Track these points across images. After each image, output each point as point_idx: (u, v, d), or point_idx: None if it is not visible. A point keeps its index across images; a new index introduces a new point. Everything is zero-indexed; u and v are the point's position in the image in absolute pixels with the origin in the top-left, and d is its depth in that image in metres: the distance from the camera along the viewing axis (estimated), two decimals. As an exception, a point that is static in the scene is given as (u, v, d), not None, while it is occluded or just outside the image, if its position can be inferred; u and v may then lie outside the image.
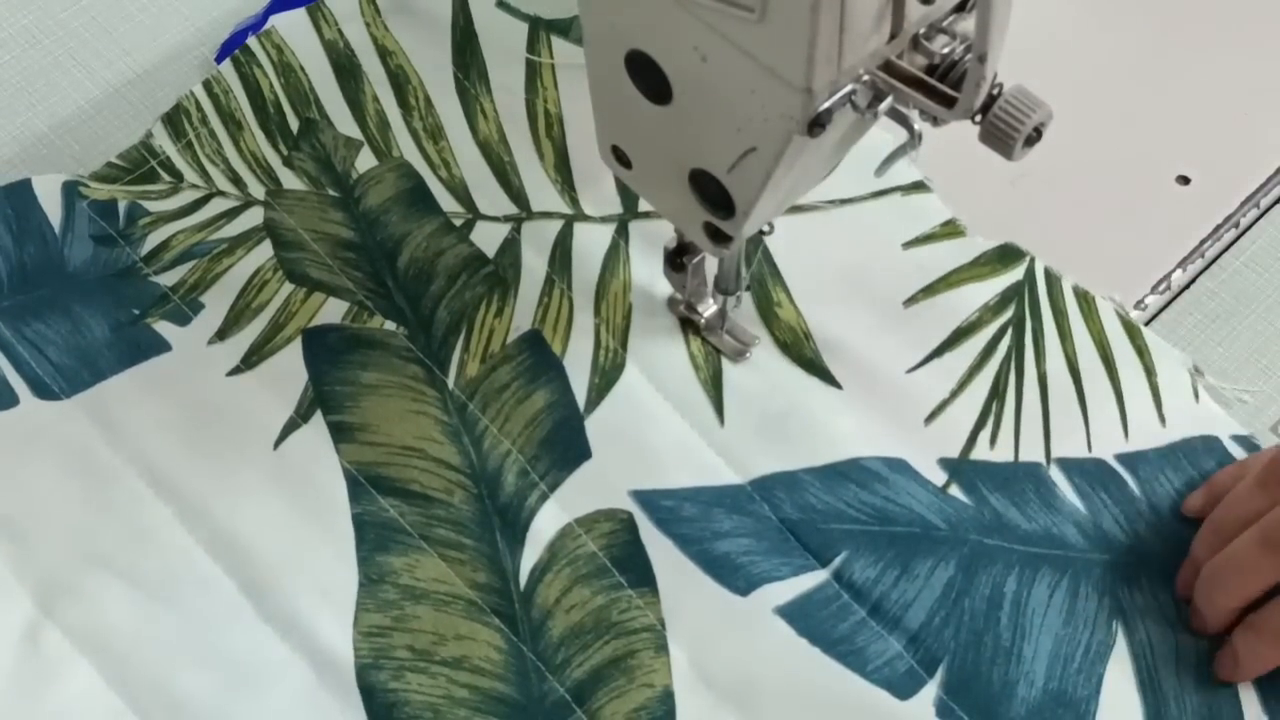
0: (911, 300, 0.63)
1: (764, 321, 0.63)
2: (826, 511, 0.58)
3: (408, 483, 0.59)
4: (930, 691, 0.55)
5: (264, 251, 0.64)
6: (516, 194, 0.66)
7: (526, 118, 0.67)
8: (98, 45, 0.73)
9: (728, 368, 0.62)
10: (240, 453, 0.60)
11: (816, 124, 0.46)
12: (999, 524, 0.58)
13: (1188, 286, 0.65)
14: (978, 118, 0.45)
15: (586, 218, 0.65)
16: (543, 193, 0.66)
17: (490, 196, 0.66)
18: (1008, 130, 0.45)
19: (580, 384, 0.61)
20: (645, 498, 0.58)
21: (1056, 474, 0.59)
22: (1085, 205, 0.67)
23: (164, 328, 0.63)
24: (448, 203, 0.66)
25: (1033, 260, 0.64)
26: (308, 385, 0.61)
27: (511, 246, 0.64)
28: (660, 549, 0.57)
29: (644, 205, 0.65)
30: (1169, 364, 0.62)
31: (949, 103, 0.45)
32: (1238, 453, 0.60)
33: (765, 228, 0.57)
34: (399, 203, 0.65)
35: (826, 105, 0.45)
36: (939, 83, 0.46)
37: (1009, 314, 0.63)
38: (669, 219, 0.58)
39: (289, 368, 0.61)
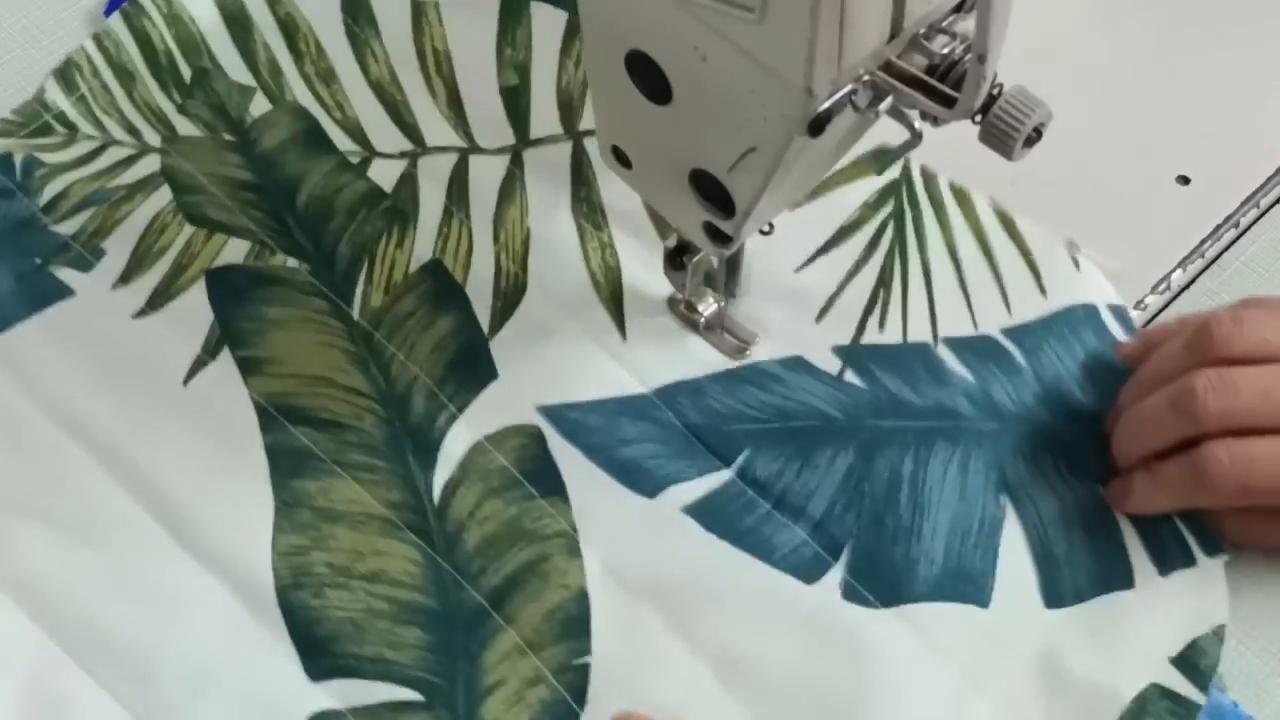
0: (796, 205, 0.63)
1: (657, 231, 0.64)
2: (728, 414, 0.60)
3: (318, 411, 0.60)
4: (836, 575, 0.57)
5: (163, 196, 0.66)
6: (411, 131, 0.67)
7: (416, 57, 0.69)
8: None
9: (628, 284, 0.63)
10: (150, 391, 0.61)
11: (817, 124, 0.46)
12: (893, 403, 0.60)
13: (1188, 286, 0.65)
14: (978, 118, 0.45)
15: (481, 150, 0.67)
16: (437, 128, 0.68)
17: (385, 135, 0.67)
18: (1007, 130, 0.45)
19: (483, 308, 0.63)
20: (552, 412, 0.60)
21: (945, 352, 0.62)
22: (1085, 205, 0.67)
23: (67, 275, 0.64)
24: (343, 142, 0.67)
25: (908, 160, 0.66)
26: (213, 324, 0.62)
27: (409, 181, 0.66)
28: (569, 459, 0.59)
29: (537, 133, 0.67)
30: (1045, 242, 0.64)
31: (949, 103, 0.45)
32: (1112, 323, 0.62)
33: (765, 227, 0.57)
34: (295, 144, 0.67)
35: (827, 105, 0.45)
36: (939, 83, 0.46)
37: (889, 209, 0.65)
38: (669, 219, 0.58)
39: (194, 308, 0.63)
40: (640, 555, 0.57)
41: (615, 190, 0.64)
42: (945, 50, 0.46)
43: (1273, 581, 0.58)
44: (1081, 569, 0.57)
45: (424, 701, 0.55)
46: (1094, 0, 0.73)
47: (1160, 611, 0.56)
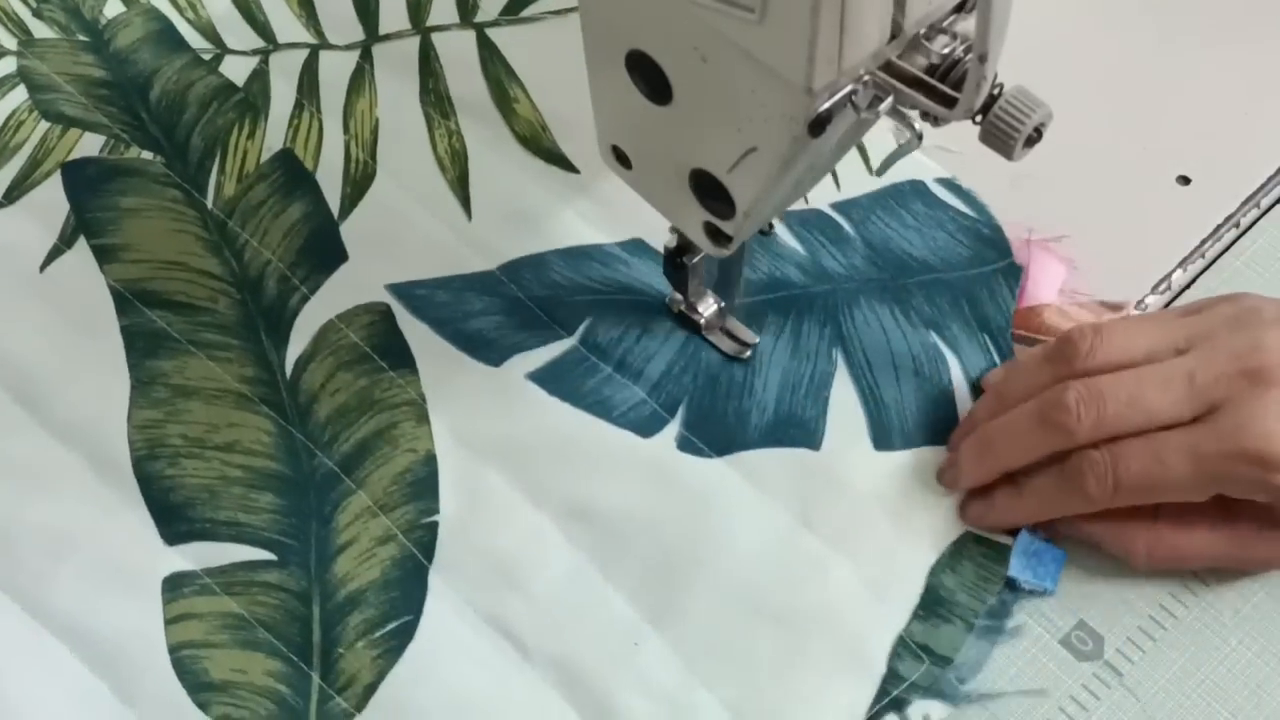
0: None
1: (503, 117, 0.68)
2: (572, 287, 0.63)
3: (173, 294, 0.63)
4: (672, 429, 0.60)
5: (18, 96, 0.68)
6: (262, 29, 0.70)
7: None
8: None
9: (474, 167, 0.66)
10: (6, 279, 0.63)
11: (817, 124, 0.46)
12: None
13: (1188, 286, 0.65)
14: (978, 118, 0.45)
15: (331, 46, 0.70)
16: (288, 26, 0.71)
17: (237, 33, 0.70)
18: (1008, 130, 0.45)
19: (333, 195, 0.65)
20: (400, 289, 0.63)
21: (777, 227, 0.63)
22: (1085, 205, 0.67)
23: None
24: (196, 41, 0.70)
25: None
26: (69, 214, 0.64)
27: (260, 76, 0.69)
28: (417, 333, 0.62)
29: (385, 29, 0.70)
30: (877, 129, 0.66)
31: (949, 103, 0.45)
32: (942, 193, 0.65)
33: (765, 228, 0.57)
34: (148, 43, 0.69)
35: (827, 105, 0.45)
36: (939, 83, 0.46)
37: None
38: (669, 219, 0.58)
39: (50, 200, 0.65)
40: (485, 420, 0.60)
41: (462, 82, 0.69)
42: (946, 50, 0.46)
43: (1273, 581, 0.58)
44: (910, 415, 0.60)
45: (276, 560, 0.57)
46: (1095, 0, 0.73)
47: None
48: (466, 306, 0.62)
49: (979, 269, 0.64)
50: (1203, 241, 0.66)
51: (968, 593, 0.57)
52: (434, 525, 0.58)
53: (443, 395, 0.60)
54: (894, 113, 0.47)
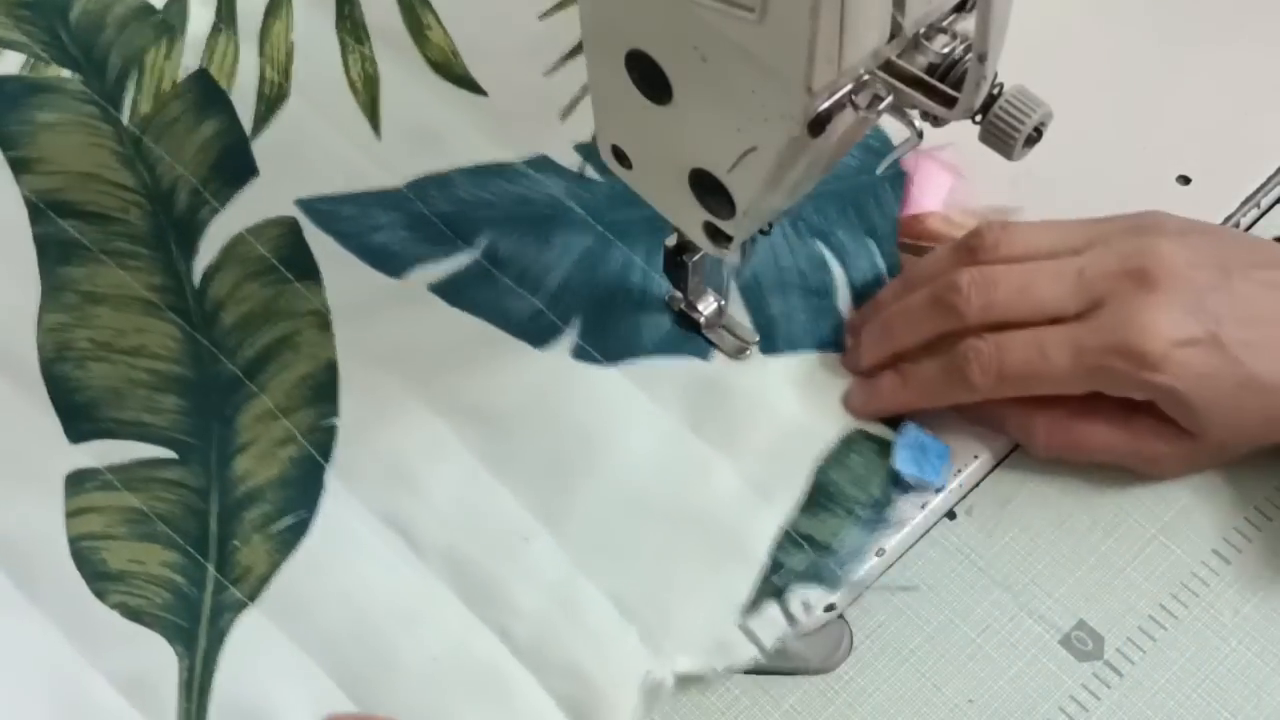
0: (546, 14, 0.70)
1: (415, 44, 0.70)
2: (475, 203, 0.65)
3: (85, 205, 0.65)
4: (568, 338, 0.62)
5: None
6: None
7: None
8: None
9: (385, 90, 0.68)
10: None
11: (817, 124, 0.46)
12: (626, 194, 0.61)
13: (1188, 286, 0.65)
14: (978, 117, 0.45)
15: None
16: None
17: None
18: (1008, 130, 0.45)
19: (246, 113, 0.68)
20: (308, 204, 0.65)
21: None
22: (1085, 205, 0.66)
23: None
24: None
25: None
26: None
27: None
28: (322, 245, 0.64)
29: None
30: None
31: (949, 102, 0.45)
32: None
33: (765, 227, 0.57)
34: None
35: (827, 105, 0.45)
36: (939, 82, 0.46)
37: None
38: (669, 218, 0.58)
39: None
40: (386, 329, 0.62)
41: (377, 9, 0.71)
42: (945, 50, 0.46)
43: (1274, 582, 0.58)
44: (797, 323, 0.62)
45: (177, 458, 0.59)
46: (1095, 0, 0.72)
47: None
48: (372, 221, 0.65)
49: (864, 177, 0.66)
50: (1203, 241, 0.66)
51: (853, 485, 0.59)
52: (332, 428, 0.60)
53: (346, 305, 0.63)
54: (894, 111, 0.47)
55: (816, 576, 0.57)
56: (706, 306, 0.62)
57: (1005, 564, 0.59)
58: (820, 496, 0.59)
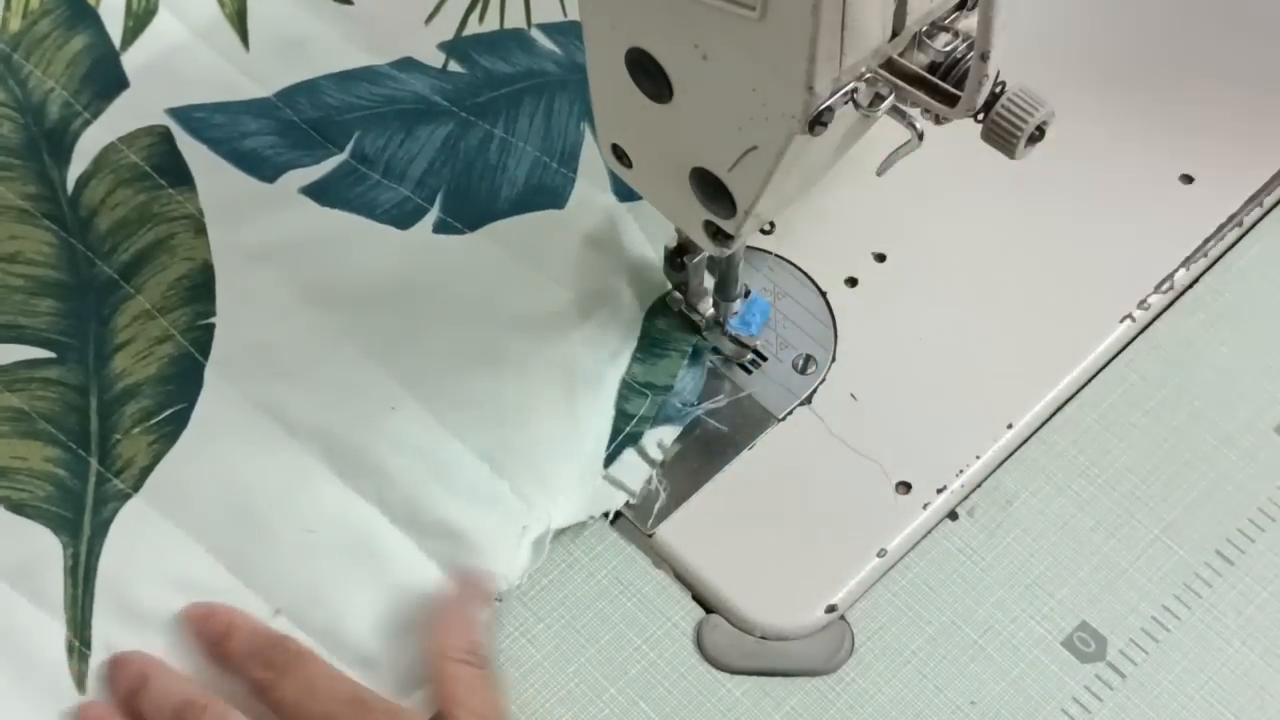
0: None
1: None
2: (342, 107, 0.68)
3: None
4: (431, 216, 0.65)
5: None
6: None
7: None
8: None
9: (252, 3, 0.70)
10: None
11: (818, 122, 0.45)
12: (489, 79, 0.68)
13: (1191, 286, 0.65)
14: (980, 116, 0.45)
15: None
16: None
17: None
18: (1010, 129, 0.45)
19: (115, 29, 0.70)
20: (179, 113, 0.67)
21: (537, 34, 0.70)
22: (1088, 205, 0.66)
23: None
24: None
25: None
26: None
27: None
28: (195, 152, 0.66)
29: None
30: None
31: (951, 101, 0.45)
32: None
33: (766, 226, 0.57)
34: None
35: (828, 104, 0.45)
36: (941, 81, 0.45)
37: None
38: (669, 218, 0.58)
39: None
40: (259, 231, 0.64)
41: None
42: (947, 48, 0.46)
43: (1278, 583, 0.58)
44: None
45: (55, 358, 0.61)
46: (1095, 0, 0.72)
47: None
48: (243, 128, 0.67)
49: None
50: (1205, 240, 0.66)
51: (679, 329, 0.62)
52: (210, 327, 0.62)
53: (220, 209, 0.65)
54: (894, 112, 0.47)
55: (665, 418, 0.61)
56: (706, 308, 0.62)
57: (1007, 565, 0.59)
58: (651, 345, 0.62)
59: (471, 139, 0.67)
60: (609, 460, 0.60)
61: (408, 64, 0.69)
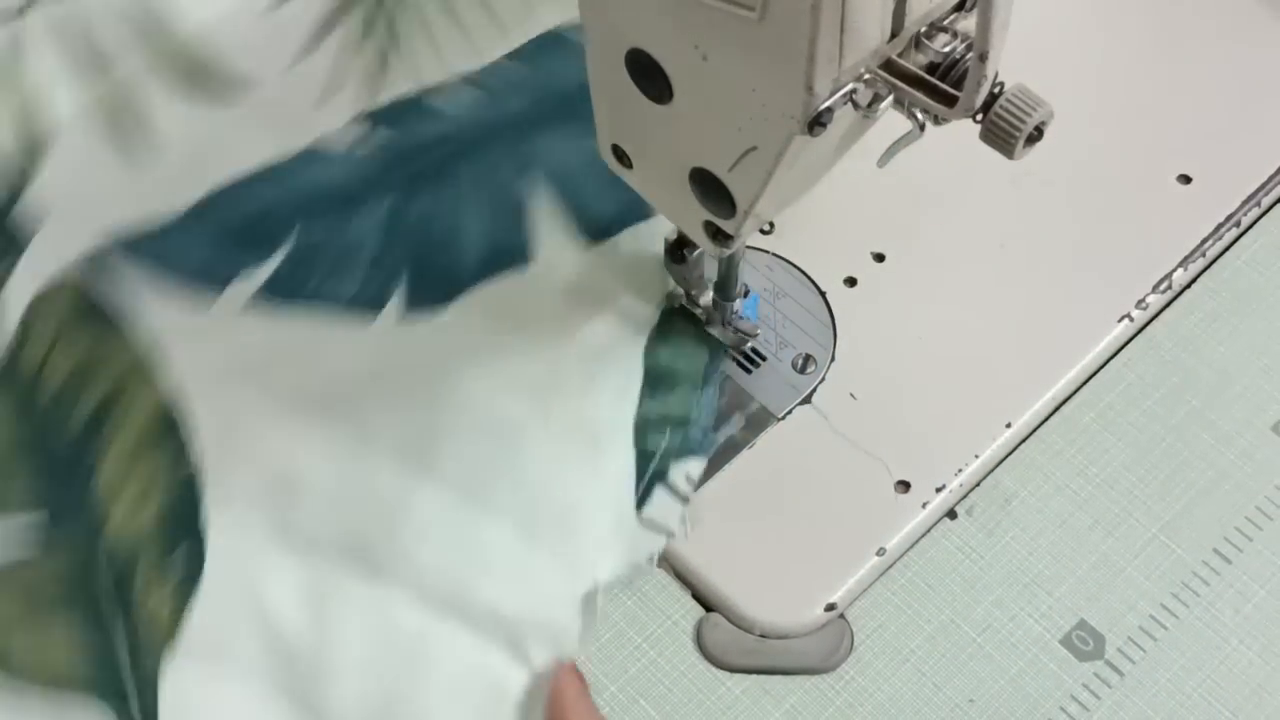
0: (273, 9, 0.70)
1: (163, 64, 0.69)
2: (270, 204, 0.65)
3: None
4: (398, 295, 0.63)
5: None
6: None
7: None
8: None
9: (151, 117, 0.68)
10: None
11: (817, 123, 0.46)
12: (416, 145, 0.65)
13: (1189, 285, 0.65)
14: (979, 116, 0.45)
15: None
16: None
17: None
18: (1009, 129, 0.45)
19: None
20: (96, 258, 0.64)
21: (434, 102, 0.68)
22: (1086, 204, 0.67)
23: None
24: None
25: None
26: None
27: None
28: (126, 291, 0.63)
29: None
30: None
31: (950, 101, 0.45)
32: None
33: (765, 226, 0.57)
34: None
35: (827, 104, 0.45)
36: (940, 81, 0.46)
37: None
38: (669, 218, 0.58)
39: None
40: (218, 352, 0.62)
41: (113, 41, 0.70)
42: (946, 49, 0.46)
43: (1275, 581, 0.58)
44: (610, 203, 0.64)
45: (49, 520, 0.58)
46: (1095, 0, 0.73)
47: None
48: (173, 249, 0.64)
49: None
50: (1204, 240, 0.66)
51: (685, 360, 0.62)
52: (198, 461, 0.59)
53: (168, 343, 0.62)
54: (896, 104, 0.47)
55: (689, 450, 0.60)
56: (708, 301, 0.62)
57: (1006, 564, 0.59)
58: (657, 379, 0.61)
59: (414, 211, 0.65)
60: (640, 502, 0.59)
61: (317, 150, 0.67)
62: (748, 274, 0.64)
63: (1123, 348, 0.64)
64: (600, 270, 0.63)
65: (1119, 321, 0.64)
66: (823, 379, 0.63)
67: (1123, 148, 0.68)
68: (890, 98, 0.47)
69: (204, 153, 0.67)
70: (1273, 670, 0.56)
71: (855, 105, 0.46)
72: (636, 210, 0.64)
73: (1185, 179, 0.67)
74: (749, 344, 0.63)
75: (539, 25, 0.71)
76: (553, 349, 0.62)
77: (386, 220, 0.65)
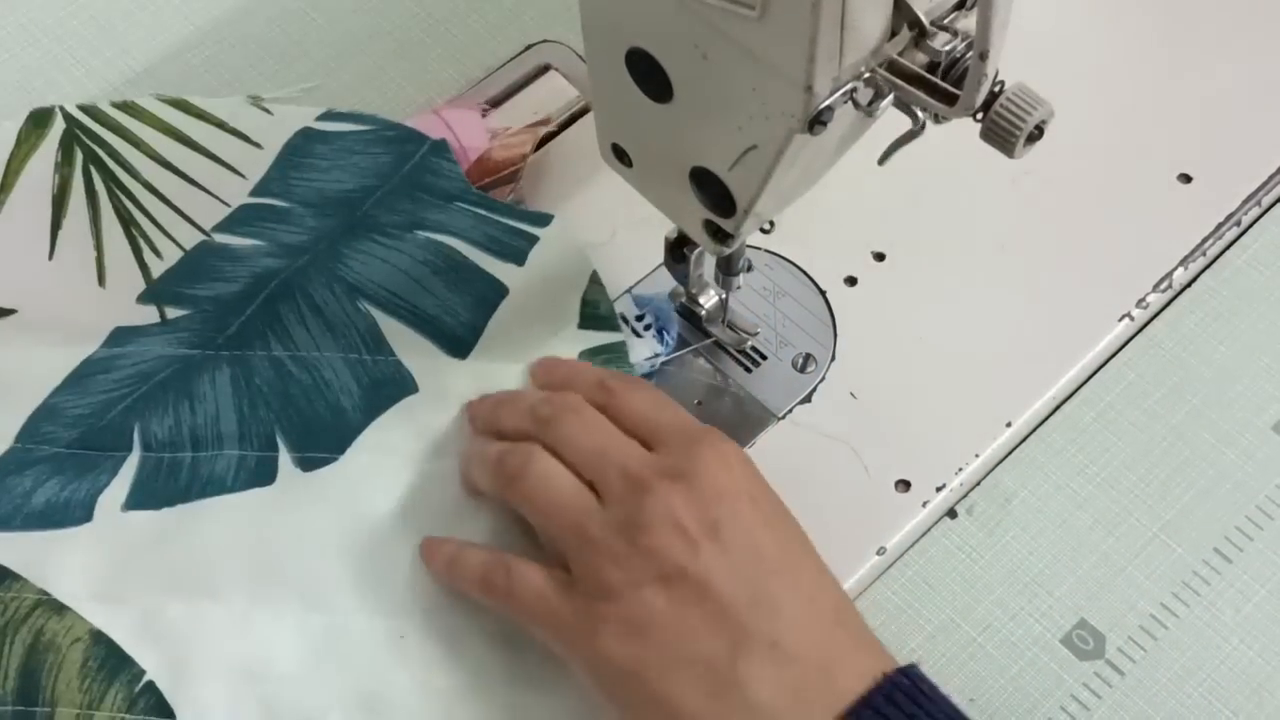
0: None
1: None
2: (97, 409, 0.60)
3: None
4: (286, 461, 0.59)
5: None
6: None
7: None
8: (97, 43, 0.73)
9: None
10: None
11: (817, 122, 0.46)
12: (220, 307, 0.62)
13: (1189, 285, 0.65)
14: (979, 115, 0.45)
15: None
16: None
17: None
18: (1009, 128, 0.45)
19: None
20: None
21: (224, 238, 0.64)
22: (1086, 203, 0.66)
23: None
24: None
25: (62, 107, 0.67)
26: None
27: None
28: None
29: None
30: (229, 105, 0.67)
31: (950, 100, 0.45)
32: (330, 126, 0.67)
33: (766, 225, 0.57)
34: None
35: (827, 103, 0.45)
36: (940, 80, 0.46)
37: (80, 158, 0.66)
38: (670, 217, 0.58)
39: None
40: (118, 569, 0.57)
41: None
42: (947, 48, 0.46)
43: (1276, 581, 0.58)
44: (460, 308, 0.62)
45: None
46: (1095, -2, 0.73)
47: (543, 297, 0.62)
48: (18, 489, 0.58)
49: (410, 163, 0.66)
50: (1204, 239, 0.66)
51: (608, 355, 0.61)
52: (151, 685, 0.55)
53: (61, 576, 0.56)
54: (898, 102, 0.47)
55: None
56: (708, 300, 0.62)
57: (1006, 563, 0.59)
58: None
59: (261, 372, 0.61)
60: None
61: (123, 334, 0.62)
62: (747, 274, 0.64)
63: (1123, 347, 0.64)
64: (491, 368, 0.60)
65: (1119, 320, 0.64)
66: (823, 378, 0.63)
67: (1123, 147, 0.68)
68: (890, 96, 0.47)
69: (4, 382, 0.61)
70: (1273, 670, 0.56)
71: (855, 104, 0.46)
72: (482, 302, 0.62)
73: (1186, 178, 0.67)
74: (749, 343, 0.63)
75: (280, 133, 0.67)
76: (457, 455, 0.59)
77: (233, 391, 0.60)
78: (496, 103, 0.70)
